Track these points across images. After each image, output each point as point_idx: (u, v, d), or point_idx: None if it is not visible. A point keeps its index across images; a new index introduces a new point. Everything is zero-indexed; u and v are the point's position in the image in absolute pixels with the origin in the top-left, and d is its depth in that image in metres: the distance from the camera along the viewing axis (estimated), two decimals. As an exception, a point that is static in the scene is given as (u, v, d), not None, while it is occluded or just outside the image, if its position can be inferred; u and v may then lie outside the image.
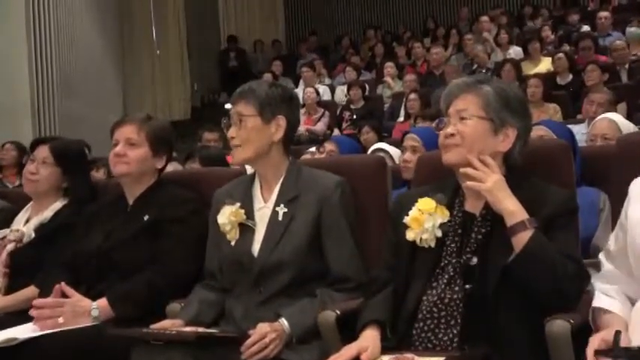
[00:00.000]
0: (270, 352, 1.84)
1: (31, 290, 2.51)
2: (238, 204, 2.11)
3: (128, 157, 2.36)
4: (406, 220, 1.82)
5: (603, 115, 3.41)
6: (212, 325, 2.05)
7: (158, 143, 2.41)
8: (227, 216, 2.10)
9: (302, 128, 7.56)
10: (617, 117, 3.37)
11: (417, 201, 1.84)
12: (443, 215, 1.79)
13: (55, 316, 2.08)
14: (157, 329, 1.91)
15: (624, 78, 6.76)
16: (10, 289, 2.58)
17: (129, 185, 2.43)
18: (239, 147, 2.08)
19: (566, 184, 1.93)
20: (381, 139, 6.05)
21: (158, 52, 10.93)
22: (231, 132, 2.09)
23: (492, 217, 1.75)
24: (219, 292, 2.13)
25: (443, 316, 1.69)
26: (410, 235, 1.80)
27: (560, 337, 1.57)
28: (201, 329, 1.92)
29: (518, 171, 1.81)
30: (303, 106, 8.11)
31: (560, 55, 7.01)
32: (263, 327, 1.87)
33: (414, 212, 1.80)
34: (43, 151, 2.72)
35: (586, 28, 8.94)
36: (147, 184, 2.42)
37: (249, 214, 2.11)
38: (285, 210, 2.07)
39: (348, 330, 1.86)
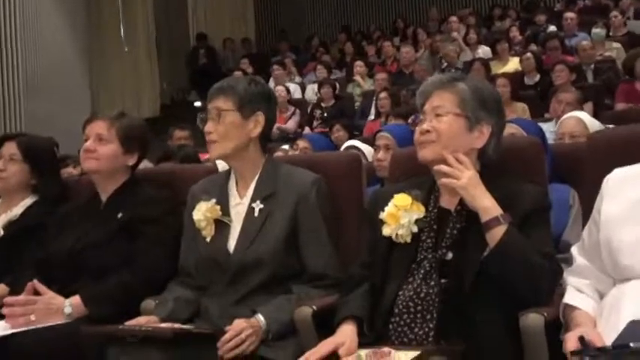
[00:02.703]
0: (247, 348, 1.84)
1: (1, 289, 2.47)
2: (214, 200, 2.10)
3: (98, 153, 2.34)
4: (382, 215, 1.83)
5: (571, 114, 3.45)
6: (187, 323, 2.04)
7: (129, 140, 2.39)
8: (202, 212, 2.09)
9: (273, 126, 7.54)
10: (585, 115, 3.42)
11: (392, 197, 1.85)
12: (419, 211, 1.81)
13: (27, 313, 2.05)
14: (132, 326, 1.89)
15: (590, 78, 6.88)
16: (-21, 288, 2.54)
17: (100, 182, 2.41)
18: (216, 142, 2.07)
19: (539, 181, 1.97)
20: (352, 137, 6.07)
21: (127, 49, 10.81)
22: (209, 127, 2.08)
23: (467, 212, 1.77)
24: (195, 289, 2.12)
25: (419, 310, 1.70)
26: (386, 231, 1.81)
27: (534, 331, 1.60)
28: (177, 325, 1.91)
29: (492, 168, 1.84)
30: (274, 104, 8.10)
31: (529, 55, 7.12)
32: (239, 323, 1.86)
33: (390, 208, 1.82)
34: (11, 148, 2.68)
35: (552, 28, 9.08)
36: (119, 181, 2.40)
37: (225, 210, 2.10)
38: (262, 206, 2.07)
39: (325, 327, 1.87)
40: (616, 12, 8.55)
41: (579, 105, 4.96)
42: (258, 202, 2.08)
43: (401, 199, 1.82)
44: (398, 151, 2.37)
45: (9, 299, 2.08)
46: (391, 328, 1.72)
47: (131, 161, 2.41)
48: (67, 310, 2.09)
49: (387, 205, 1.85)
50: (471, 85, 1.82)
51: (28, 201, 2.67)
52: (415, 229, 1.79)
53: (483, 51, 8.68)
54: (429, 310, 1.70)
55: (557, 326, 1.66)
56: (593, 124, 3.31)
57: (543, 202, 1.80)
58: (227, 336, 1.82)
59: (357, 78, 8.45)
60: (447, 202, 1.83)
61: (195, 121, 7.88)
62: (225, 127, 2.06)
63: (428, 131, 1.80)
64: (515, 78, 6.89)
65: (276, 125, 7.62)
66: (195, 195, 2.18)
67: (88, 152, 2.34)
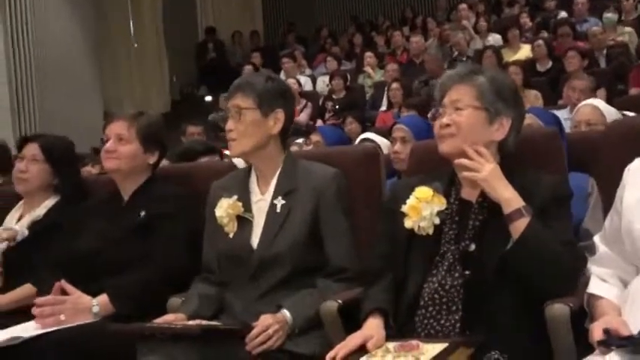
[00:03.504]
0: (274, 343, 1.86)
1: (27, 289, 2.51)
2: (235, 196, 2.13)
3: (118, 153, 2.37)
4: (404, 208, 1.84)
5: (586, 102, 3.46)
6: (213, 319, 2.06)
7: (149, 139, 2.42)
8: (224, 209, 2.11)
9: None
10: (600, 103, 3.42)
11: (413, 190, 1.86)
12: (440, 203, 1.82)
13: (57, 313, 2.09)
14: (160, 323, 1.92)
15: (602, 63, 6.85)
16: (4, 288, 2.58)
17: (121, 181, 2.44)
18: (236, 140, 2.09)
19: (558, 170, 1.98)
20: (364, 129, 6.10)
21: (135, 45, 10.85)
22: (229, 125, 2.10)
23: (488, 204, 1.78)
24: (218, 285, 2.14)
25: (444, 302, 1.72)
26: (408, 223, 1.83)
27: (560, 321, 1.61)
28: (204, 322, 1.94)
29: (511, 159, 1.85)
30: (285, 97, 8.11)
31: (540, 42, 7.09)
32: (266, 318, 1.89)
33: (411, 201, 1.83)
34: (32, 149, 2.71)
35: (563, 14, 9.03)
36: (140, 180, 2.43)
37: (247, 206, 2.12)
38: (283, 202, 2.09)
39: (349, 319, 1.89)
40: (627, -4, 8.48)
41: (593, 92, 4.95)
42: (279, 198, 2.09)
43: (422, 192, 1.83)
44: (416, 144, 2.38)
45: (39, 300, 2.11)
46: (417, 320, 1.74)
47: (151, 160, 2.44)
48: (95, 309, 2.13)
49: (407, 197, 1.86)
50: (489, 77, 1.83)
51: (51, 201, 2.71)
52: (437, 221, 1.81)
53: (494, 39, 8.64)
54: (454, 301, 1.71)
55: (581, 315, 1.68)
56: (610, 112, 3.31)
57: (563, 191, 1.81)
58: (255, 332, 1.85)
59: (368, 69, 8.45)
60: (468, 194, 1.84)
61: (205, 115, 7.97)
62: (246, 125, 2.08)
63: (448, 125, 1.81)
64: (526, 65, 6.87)
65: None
66: (217, 191, 2.20)
67: (109, 152, 2.37)
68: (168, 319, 2.00)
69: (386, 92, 7.13)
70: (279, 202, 2.09)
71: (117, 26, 10.49)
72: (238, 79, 2.17)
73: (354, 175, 2.20)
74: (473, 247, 1.76)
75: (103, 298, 2.16)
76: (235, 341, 1.86)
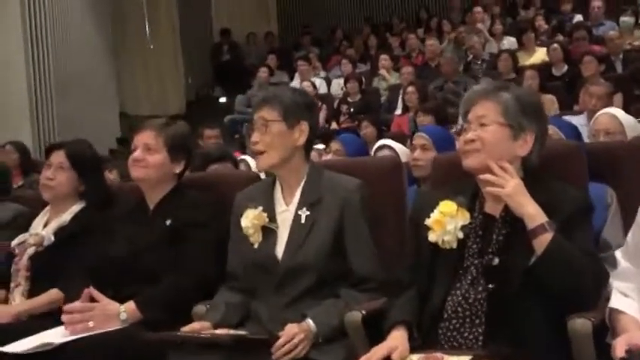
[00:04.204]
0: (300, 353, 1.90)
1: (54, 293, 2.56)
2: (261, 207, 2.17)
3: (146, 162, 2.42)
4: (428, 222, 1.88)
5: (605, 110, 3.47)
6: (238, 327, 2.11)
7: (176, 148, 2.46)
8: (250, 219, 2.16)
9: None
10: (619, 112, 3.44)
11: (437, 203, 1.90)
12: (464, 218, 1.85)
13: (86, 320, 2.13)
14: (189, 332, 1.97)
15: (619, 68, 6.84)
16: (31, 293, 2.63)
17: (148, 190, 2.49)
18: (264, 153, 2.13)
19: (579, 183, 2.01)
20: (380, 133, 6.13)
21: (151, 47, 10.92)
22: (255, 137, 2.14)
23: (512, 219, 1.81)
24: (243, 293, 2.19)
25: (467, 315, 1.76)
26: (432, 237, 1.86)
27: (582, 335, 1.64)
28: (232, 332, 1.98)
29: (534, 173, 1.88)
30: (301, 100, 8.14)
31: (555, 45, 7.09)
32: (291, 328, 1.93)
33: (435, 215, 1.87)
34: (59, 156, 2.76)
35: (579, 17, 9.01)
36: (166, 189, 2.47)
37: (272, 217, 2.17)
38: (308, 213, 2.13)
39: (373, 329, 1.93)
40: (643, -1, 8.45)
41: (610, 97, 4.96)
42: (304, 209, 2.14)
43: (446, 206, 1.86)
44: (440, 156, 2.41)
45: (68, 306, 2.16)
46: (440, 333, 1.78)
47: (178, 169, 2.49)
48: (123, 316, 2.17)
49: (431, 210, 1.90)
50: (514, 94, 1.86)
51: (76, 207, 2.76)
52: (461, 235, 1.84)
53: (509, 42, 8.64)
54: (478, 314, 1.75)
55: (603, 329, 1.70)
56: (628, 121, 3.33)
57: (585, 204, 1.85)
58: (281, 341, 1.89)
59: (383, 72, 8.46)
60: (492, 209, 1.87)
61: (221, 117, 8.01)
62: (272, 137, 2.12)
63: (472, 140, 1.84)
64: (542, 69, 6.88)
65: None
66: (242, 202, 2.24)
67: (137, 161, 2.42)
68: (195, 327, 2.04)
69: (401, 95, 7.15)
70: (304, 213, 2.13)
71: (133, 28, 10.56)
72: (265, 92, 2.22)
73: (377, 186, 2.23)
74: (496, 261, 1.79)
75: (131, 305, 2.21)
76: (262, 350, 1.90)
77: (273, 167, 2.18)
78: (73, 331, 2.12)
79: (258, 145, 2.14)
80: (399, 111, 7.18)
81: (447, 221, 1.84)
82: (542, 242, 1.71)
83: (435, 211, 1.87)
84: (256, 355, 1.90)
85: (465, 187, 1.94)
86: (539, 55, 7.82)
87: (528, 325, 1.71)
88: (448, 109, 5.98)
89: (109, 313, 2.17)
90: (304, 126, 2.16)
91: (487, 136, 1.83)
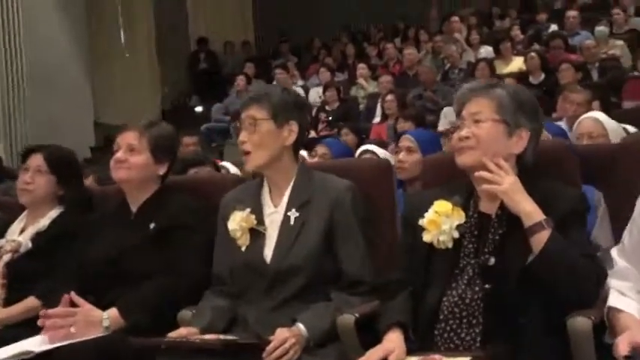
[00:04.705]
0: (292, 358, 1.84)
1: (31, 301, 2.48)
2: (248, 209, 2.11)
3: (129, 163, 2.35)
4: (422, 222, 1.84)
5: (588, 114, 3.49)
6: (225, 332, 2.05)
7: (160, 149, 2.40)
8: (237, 222, 2.10)
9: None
10: (602, 116, 3.44)
11: (431, 203, 1.86)
12: (459, 217, 1.82)
13: (67, 326, 2.05)
14: (181, 338, 1.90)
15: (595, 76, 6.90)
16: (7, 301, 2.53)
17: (131, 192, 2.42)
18: (251, 153, 2.07)
19: (572, 182, 1.99)
20: (360, 140, 6.10)
21: (127, 55, 10.81)
22: (243, 136, 2.09)
23: (508, 217, 1.78)
24: (230, 297, 2.13)
25: (464, 316, 1.72)
26: (427, 237, 1.83)
27: (583, 334, 1.62)
28: (222, 337, 1.92)
29: (529, 172, 1.85)
30: (279, 108, 8.11)
31: (533, 54, 7.14)
32: (282, 332, 1.88)
33: (430, 214, 1.83)
34: (37, 160, 2.68)
35: (554, 27, 9.10)
36: (150, 191, 2.40)
37: (260, 219, 2.11)
38: (297, 215, 2.08)
39: (365, 332, 1.89)
40: (618, 9, 8.57)
41: (589, 104, 4.98)
42: (293, 210, 2.09)
43: (441, 206, 1.83)
44: (429, 157, 2.38)
45: (49, 311, 2.08)
46: (437, 334, 1.74)
47: (161, 170, 2.42)
48: (105, 322, 2.09)
49: (425, 211, 1.86)
50: (509, 90, 1.84)
51: (55, 212, 2.67)
52: (456, 234, 1.81)
53: (486, 51, 8.68)
54: (475, 315, 1.72)
55: (601, 328, 1.68)
56: (611, 125, 3.34)
57: (581, 204, 1.82)
58: (272, 346, 1.83)
59: (361, 81, 8.46)
60: (487, 208, 1.84)
61: (197, 126, 7.91)
62: (261, 137, 2.07)
63: (467, 137, 1.81)
64: (520, 78, 6.91)
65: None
66: (229, 204, 2.18)
67: (120, 162, 2.34)
68: (182, 332, 1.98)
69: (380, 103, 7.15)
70: (293, 214, 2.08)
71: (108, 36, 10.44)
72: (254, 91, 2.17)
73: (367, 188, 2.19)
74: (493, 260, 1.76)
75: (114, 311, 2.13)
76: (252, 355, 1.84)
77: (261, 167, 2.12)
78: (53, 338, 2.03)
79: (246, 145, 2.09)
80: (377, 119, 7.17)
81: (442, 221, 1.81)
82: (539, 240, 1.68)
83: (430, 210, 1.84)
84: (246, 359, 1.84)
85: (459, 186, 1.90)
86: (516, 64, 7.88)
87: (526, 325, 1.67)
88: (427, 117, 6.00)
89: (92, 319, 2.09)
90: (294, 126, 2.11)
91: (482, 132, 1.80)
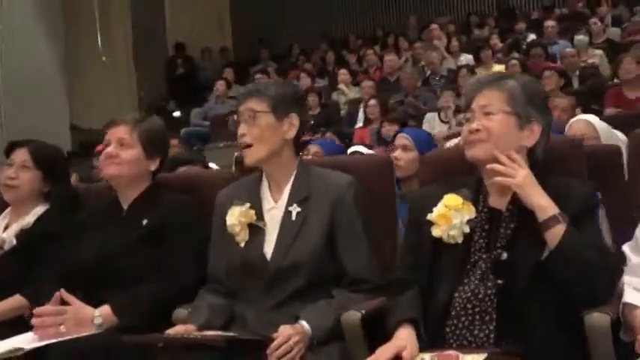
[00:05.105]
0: (296, 355, 1.78)
1: (17, 300, 2.38)
2: (248, 204, 2.04)
3: (120, 159, 2.26)
4: (431, 216, 1.79)
5: (580, 116, 3.49)
6: (223, 330, 1.97)
7: (151, 144, 2.32)
8: (236, 216, 2.03)
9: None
10: (593, 118, 3.44)
11: (437, 198, 1.81)
12: (470, 211, 1.77)
13: (57, 324, 1.96)
14: (181, 334, 1.83)
15: (575, 84, 6.96)
16: (-9, 299, 2.44)
17: (122, 188, 2.33)
18: (251, 146, 2.01)
19: (580, 178, 1.95)
20: (345, 145, 6.06)
21: (104, 59, 10.67)
22: (242, 129, 2.02)
23: (519, 212, 1.74)
24: (226, 296, 2.06)
25: (477, 312, 1.67)
26: (436, 232, 1.77)
27: (601, 330, 1.58)
28: (223, 333, 1.85)
29: (540, 167, 1.81)
30: (260, 112, 8.05)
31: (514, 62, 7.17)
32: (286, 329, 1.81)
33: (440, 209, 1.78)
34: (22, 154, 2.58)
35: (532, 36, 9.18)
36: (141, 187, 2.32)
37: (259, 215, 2.04)
38: (299, 210, 2.01)
39: (370, 330, 1.83)
40: (595, 19, 8.67)
41: (573, 110, 5.00)
42: (294, 205, 2.02)
43: (451, 199, 1.78)
44: (426, 155, 2.34)
45: (39, 309, 1.98)
46: (448, 331, 1.69)
47: (153, 166, 2.34)
48: (98, 320, 2.01)
49: (430, 207, 1.81)
50: (520, 81, 1.80)
51: (40, 209, 2.57)
52: (467, 229, 1.76)
53: (466, 59, 8.72)
54: (488, 311, 1.67)
55: (617, 325, 1.64)
56: (602, 127, 3.34)
57: (592, 199, 1.79)
58: (276, 343, 1.77)
59: (342, 86, 8.44)
60: (497, 202, 1.79)
61: (175, 130, 7.81)
62: (260, 130, 2.01)
63: (478, 130, 1.76)
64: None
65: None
66: (225, 199, 2.12)
67: (110, 158, 2.26)
68: (179, 330, 1.90)
69: (362, 109, 7.12)
70: (295, 209, 2.02)
71: (86, 40, 10.30)
72: (251, 84, 2.11)
73: (368, 184, 2.14)
74: (505, 255, 1.71)
75: (106, 309, 2.05)
76: (254, 352, 1.77)
77: (261, 161, 2.05)
78: (43, 336, 1.94)
79: (245, 138, 2.02)
80: (360, 124, 7.14)
81: (452, 215, 1.75)
82: (555, 234, 1.63)
83: (439, 204, 1.78)
84: (248, 356, 1.77)
85: (466, 181, 1.85)
86: (497, 71, 7.91)
87: (541, 321, 1.63)
88: (409, 123, 5.99)
89: (83, 317, 2.00)
90: (294, 119, 2.05)
91: (493, 125, 1.75)
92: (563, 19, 9.64)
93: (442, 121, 6.49)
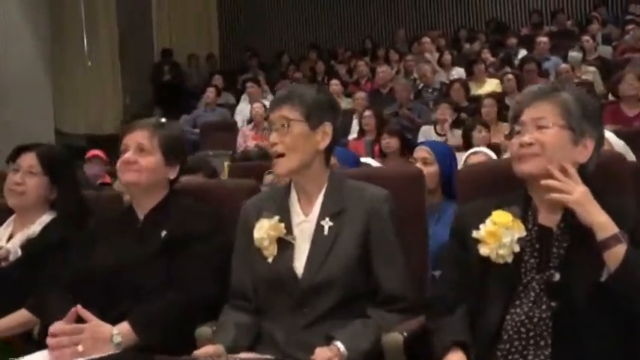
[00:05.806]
0: (334, 379, 1.67)
1: (22, 315, 2.25)
2: (277, 217, 1.94)
3: (139, 165, 2.14)
4: (478, 234, 1.70)
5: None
6: (251, 349, 1.87)
7: (172, 151, 2.21)
8: (265, 230, 1.93)
9: (251, 144, 7.40)
10: (608, 133, 3.39)
11: (485, 214, 1.72)
12: (520, 229, 1.68)
13: (74, 344, 1.83)
14: (208, 356, 1.71)
15: (570, 100, 6.94)
16: (-5, 314, 2.30)
17: (138, 197, 2.21)
18: (283, 156, 1.91)
19: (627, 195, 1.88)
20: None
21: (90, 63, 10.49)
22: (274, 138, 1.92)
23: (571, 230, 1.66)
24: (252, 313, 1.95)
25: (532, 336, 1.58)
26: (484, 250, 1.68)
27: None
28: (260, 356, 1.74)
29: (591, 183, 1.73)
30: (251, 121, 7.96)
31: (510, 76, 7.17)
32: (324, 351, 1.71)
33: (488, 226, 1.69)
34: (29, 159, 2.46)
35: (523, 52, 9.19)
36: (159, 196, 2.20)
37: (288, 228, 1.94)
38: (331, 224, 1.91)
39: (411, 353, 1.73)
40: (587, 36, 8.71)
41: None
42: (327, 219, 1.92)
43: (501, 216, 1.69)
44: (463, 170, 2.25)
45: (55, 328, 1.84)
46: (500, 355, 1.60)
47: (172, 174, 2.22)
48: (116, 339, 1.88)
49: (477, 223, 1.72)
50: (574, 94, 1.72)
51: (46, 217, 2.45)
52: (517, 248, 1.67)
53: (458, 72, 8.70)
54: (543, 335, 1.58)
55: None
56: (617, 143, 3.30)
57: (644, 219, 1.71)
58: (315, 366, 1.66)
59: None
60: (547, 220, 1.71)
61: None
62: (293, 139, 1.91)
63: (530, 144, 1.68)
64: (497, 99, 6.91)
65: (255, 143, 7.45)
66: (251, 211, 2.01)
67: (129, 164, 2.14)
68: (208, 350, 1.78)
69: (357, 120, 7.04)
70: (327, 223, 1.92)
71: (71, 44, 10.11)
72: (284, 90, 2.01)
73: (399, 197, 2.04)
74: (557, 276, 1.63)
75: (125, 326, 1.92)
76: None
77: (293, 172, 1.95)
78: (60, 357, 1.81)
79: (277, 147, 1.92)
80: (354, 135, 7.06)
81: (502, 233, 1.66)
82: (615, 254, 1.55)
83: (487, 222, 1.69)
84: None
85: (514, 197, 1.77)
86: (489, 86, 7.90)
87: (599, 346, 1.54)
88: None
89: (101, 336, 1.87)
90: (327, 128, 1.96)
91: (547, 139, 1.67)
92: (552, 36, 9.67)
93: (438, 134, 6.43)
